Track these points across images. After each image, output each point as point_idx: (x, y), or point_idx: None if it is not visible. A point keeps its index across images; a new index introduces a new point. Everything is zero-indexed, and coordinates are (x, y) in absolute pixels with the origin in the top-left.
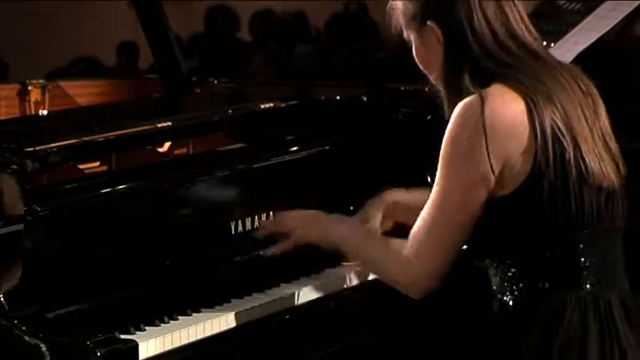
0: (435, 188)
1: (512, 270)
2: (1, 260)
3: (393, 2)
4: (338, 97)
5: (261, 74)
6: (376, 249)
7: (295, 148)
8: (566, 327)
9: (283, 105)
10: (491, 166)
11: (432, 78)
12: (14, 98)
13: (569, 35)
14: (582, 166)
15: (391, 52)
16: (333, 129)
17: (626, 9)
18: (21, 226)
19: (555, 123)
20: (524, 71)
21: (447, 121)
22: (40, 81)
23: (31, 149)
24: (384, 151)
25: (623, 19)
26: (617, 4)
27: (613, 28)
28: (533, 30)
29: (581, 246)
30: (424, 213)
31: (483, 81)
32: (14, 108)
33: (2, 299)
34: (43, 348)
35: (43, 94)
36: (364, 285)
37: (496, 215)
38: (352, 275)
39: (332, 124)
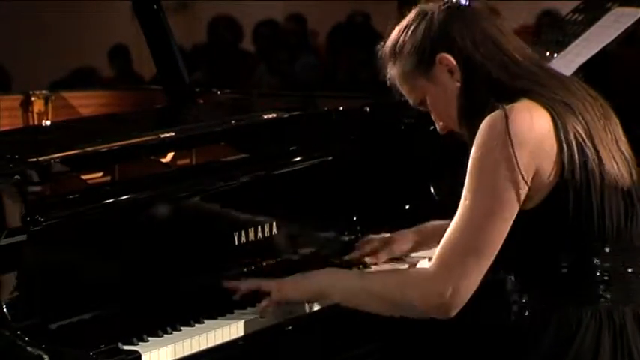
0: (464, 202)
1: (529, 282)
2: (4, 271)
3: (387, 71)
4: (341, 108)
5: (264, 85)
6: (389, 278)
7: (298, 159)
8: (579, 343)
9: (286, 115)
10: (524, 179)
11: (453, 125)
12: (17, 109)
13: (571, 46)
14: (603, 173)
15: None
16: (336, 140)
17: (629, 20)
18: (24, 237)
19: (578, 132)
20: (539, 82)
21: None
22: (44, 91)
23: (35, 160)
24: (387, 161)
25: (625, 30)
26: (619, 16)
27: (615, 39)
28: (526, 46)
29: (598, 261)
30: (451, 228)
31: (507, 98)
32: (17, 118)
33: (5, 310)
34: (46, 359)
35: (46, 104)
36: None
37: (519, 228)
38: None
39: (335, 134)
